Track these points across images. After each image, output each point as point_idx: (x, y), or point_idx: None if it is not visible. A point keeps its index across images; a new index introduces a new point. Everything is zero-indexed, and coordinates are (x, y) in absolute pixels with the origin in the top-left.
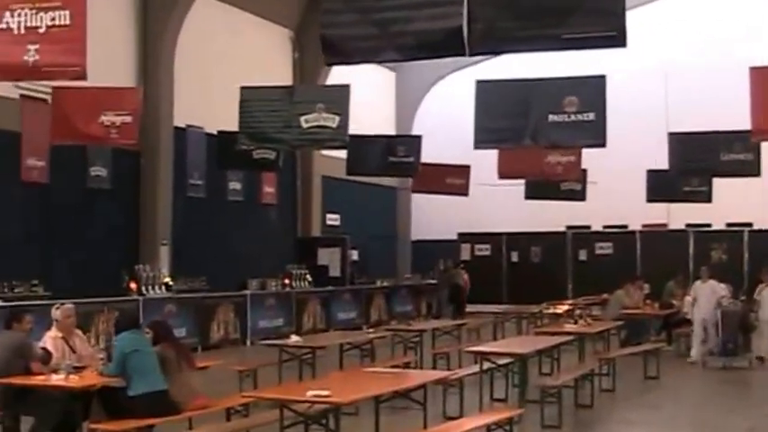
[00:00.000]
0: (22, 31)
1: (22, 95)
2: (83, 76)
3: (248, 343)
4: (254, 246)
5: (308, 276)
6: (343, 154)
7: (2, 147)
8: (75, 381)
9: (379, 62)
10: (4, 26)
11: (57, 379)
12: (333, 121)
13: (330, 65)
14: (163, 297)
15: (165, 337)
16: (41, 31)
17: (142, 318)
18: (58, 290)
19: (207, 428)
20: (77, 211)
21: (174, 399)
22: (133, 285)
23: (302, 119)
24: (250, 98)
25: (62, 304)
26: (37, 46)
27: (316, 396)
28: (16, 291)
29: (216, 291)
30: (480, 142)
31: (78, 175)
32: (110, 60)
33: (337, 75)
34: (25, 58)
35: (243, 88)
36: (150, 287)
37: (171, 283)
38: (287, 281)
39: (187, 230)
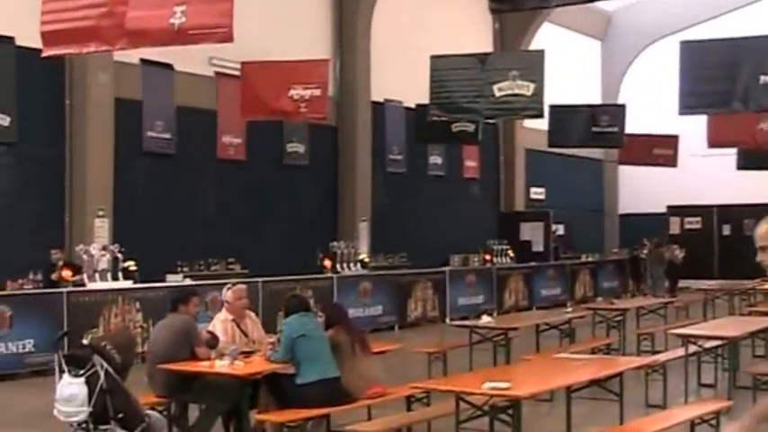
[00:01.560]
0: None
1: (216, 73)
2: (229, 39)
3: (447, 321)
4: (456, 221)
5: (509, 252)
6: (546, 126)
7: (199, 125)
8: (239, 368)
9: None
10: None
11: (221, 365)
12: (527, 89)
13: None
14: (358, 274)
15: (338, 320)
16: None
17: (336, 297)
18: (254, 267)
19: (383, 420)
20: (274, 188)
21: (347, 387)
22: (328, 263)
23: (495, 87)
24: (441, 67)
25: (233, 284)
26: (183, 8)
27: (493, 389)
28: (212, 269)
29: (416, 268)
30: (686, 107)
31: (275, 151)
32: (305, 36)
33: (540, 46)
34: (171, 21)
35: (433, 57)
36: (345, 264)
37: (367, 260)
38: (488, 257)
39: (387, 206)
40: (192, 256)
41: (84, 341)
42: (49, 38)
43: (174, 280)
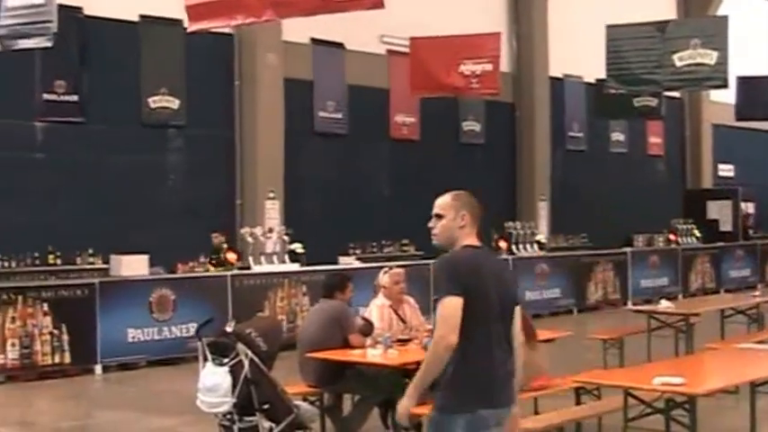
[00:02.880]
0: None
1: (388, 50)
2: (380, 5)
3: (629, 304)
4: (639, 200)
5: (695, 232)
6: (734, 98)
7: (371, 104)
8: (391, 357)
9: None
10: None
11: (373, 354)
12: (710, 58)
13: None
14: (535, 256)
15: None
16: None
17: None
18: (429, 249)
19: (549, 416)
20: (449, 167)
21: None
22: (503, 244)
23: (675, 57)
24: (618, 38)
25: (390, 268)
26: None
27: (664, 384)
28: (385, 251)
29: (597, 248)
30: None
31: (450, 130)
32: (479, 9)
33: (726, 12)
34: None
35: (609, 27)
36: (521, 245)
37: (544, 240)
38: (672, 237)
39: (567, 185)
40: (364, 237)
41: (228, 328)
42: (193, 12)
43: (346, 262)
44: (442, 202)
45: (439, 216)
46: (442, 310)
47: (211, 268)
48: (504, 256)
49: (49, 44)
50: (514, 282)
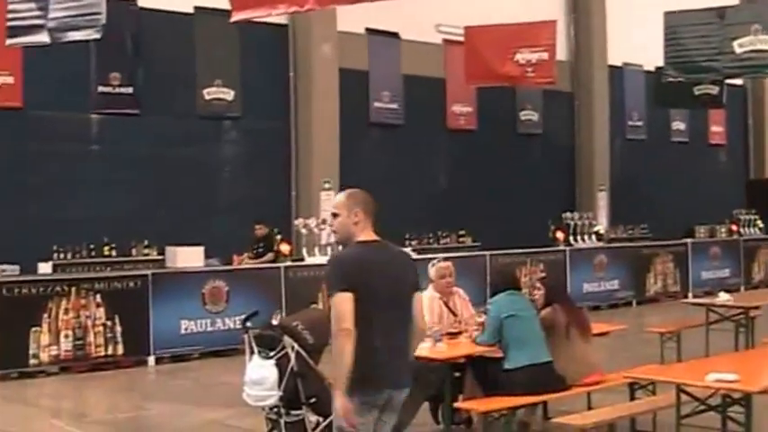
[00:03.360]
0: None
1: (444, 40)
2: None
3: (689, 296)
4: (700, 190)
5: (758, 222)
6: None
7: (427, 94)
8: (440, 350)
9: None
10: None
11: (421, 348)
12: None
13: None
14: (593, 247)
15: (559, 297)
16: None
17: (568, 271)
18: (485, 240)
19: (602, 411)
20: (507, 158)
21: (561, 372)
22: (560, 235)
23: (735, 43)
24: (676, 24)
25: (438, 261)
26: None
27: (717, 381)
28: (442, 242)
29: (658, 239)
30: None
31: (507, 119)
32: None
33: None
34: None
35: (667, 14)
36: (579, 237)
37: (602, 231)
38: (734, 227)
39: (627, 175)
40: (420, 228)
41: (274, 321)
42: (237, 2)
43: None
44: (337, 201)
45: (335, 215)
46: (335, 306)
47: (249, 260)
48: (562, 247)
49: (97, 36)
50: (410, 271)
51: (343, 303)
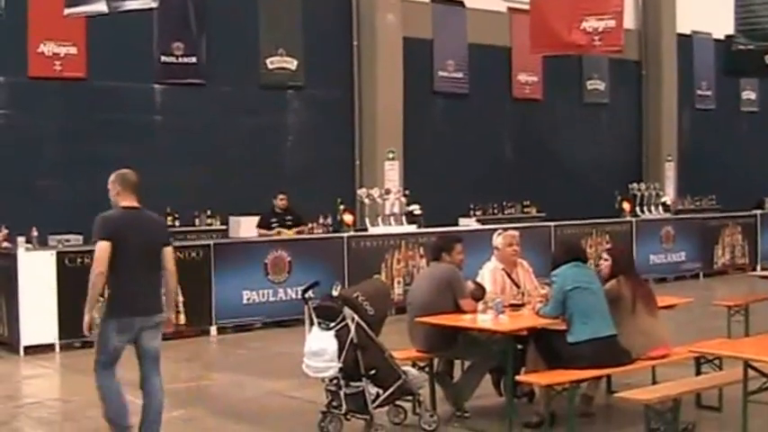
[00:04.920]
0: None
1: (509, 8)
2: None
3: (758, 269)
4: None
5: None
6: None
7: (492, 63)
8: (503, 322)
9: None
10: None
11: (483, 320)
12: None
13: None
14: (660, 218)
15: (626, 269)
16: None
17: (635, 242)
18: (551, 211)
19: (667, 386)
20: (573, 128)
21: (627, 346)
22: (627, 206)
23: None
24: None
25: (504, 230)
26: None
27: None
28: (507, 212)
29: (726, 210)
30: None
31: (574, 89)
32: None
33: None
34: None
35: None
36: (646, 207)
37: (669, 202)
38: None
39: (695, 145)
40: (485, 199)
41: (334, 292)
42: None
43: (466, 224)
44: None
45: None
46: (96, 251)
47: (265, 231)
48: (628, 218)
49: (154, 5)
50: (160, 230)
51: (102, 250)
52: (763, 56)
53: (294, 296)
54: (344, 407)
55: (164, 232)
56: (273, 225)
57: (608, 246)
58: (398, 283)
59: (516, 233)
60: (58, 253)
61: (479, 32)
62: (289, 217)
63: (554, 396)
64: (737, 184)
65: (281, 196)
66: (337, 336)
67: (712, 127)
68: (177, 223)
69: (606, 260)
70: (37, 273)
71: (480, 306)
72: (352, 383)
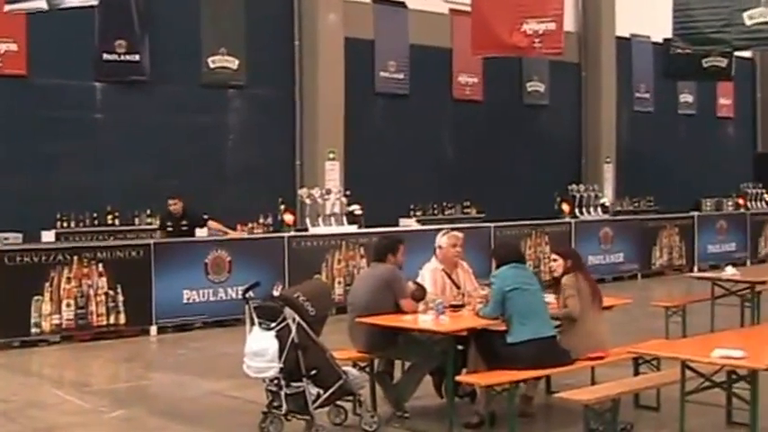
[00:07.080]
0: None
1: (451, 10)
2: None
3: (695, 270)
4: (708, 163)
5: (766, 196)
6: None
7: (433, 64)
8: (443, 324)
9: None
10: None
11: (424, 320)
12: None
13: None
14: (598, 219)
15: (577, 266)
16: None
17: (574, 243)
18: (491, 212)
19: (606, 386)
20: (513, 129)
21: (565, 346)
22: (566, 207)
23: (745, 15)
24: None
25: (449, 230)
26: None
27: (723, 357)
28: (447, 213)
29: (663, 212)
30: None
31: (514, 90)
32: None
33: None
34: None
35: None
36: (585, 209)
37: (608, 204)
38: (741, 201)
39: (634, 147)
40: (425, 199)
41: (275, 292)
42: None
43: (406, 224)
44: None
45: None
46: None
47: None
48: (567, 219)
49: (95, 2)
50: None
51: None
52: (701, 59)
53: (235, 296)
54: (285, 407)
55: None
56: (169, 230)
57: (553, 247)
58: (339, 283)
59: (461, 234)
60: None
61: (421, 33)
62: (184, 222)
63: (494, 396)
64: (675, 185)
65: (171, 201)
66: (278, 336)
67: (650, 129)
68: (117, 222)
69: (556, 260)
70: None
71: (421, 306)
72: (292, 384)
